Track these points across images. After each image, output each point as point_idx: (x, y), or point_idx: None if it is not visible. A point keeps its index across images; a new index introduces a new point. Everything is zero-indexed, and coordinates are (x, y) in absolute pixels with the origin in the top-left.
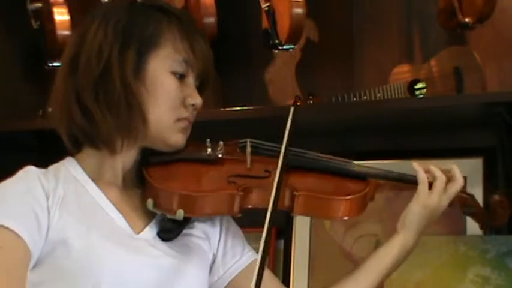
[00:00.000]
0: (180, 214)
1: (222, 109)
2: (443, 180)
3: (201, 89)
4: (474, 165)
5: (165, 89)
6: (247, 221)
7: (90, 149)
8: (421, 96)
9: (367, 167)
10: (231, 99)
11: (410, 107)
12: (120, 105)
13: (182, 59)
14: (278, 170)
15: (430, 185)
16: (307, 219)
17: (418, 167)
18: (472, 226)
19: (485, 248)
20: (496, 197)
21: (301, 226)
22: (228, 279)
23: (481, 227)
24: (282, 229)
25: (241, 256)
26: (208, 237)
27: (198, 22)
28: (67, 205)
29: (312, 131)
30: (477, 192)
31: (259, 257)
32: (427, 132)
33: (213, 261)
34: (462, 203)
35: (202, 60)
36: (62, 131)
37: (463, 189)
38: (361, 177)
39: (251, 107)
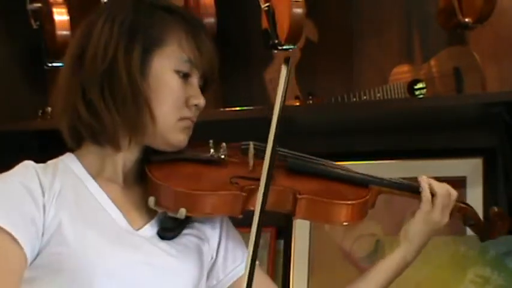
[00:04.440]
0: (182, 213)
1: (222, 109)
2: (444, 196)
3: (205, 88)
4: (474, 165)
5: (169, 87)
6: (247, 222)
7: (91, 146)
8: (421, 96)
9: (370, 175)
10: (231, 99)
11: (410, 107)
12: (126, 101)
13: (186, 58)
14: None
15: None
16: None
17: (424, 185)
18: None
19: (485, 248)
20: (495, 209)
21: (301, 226)
22: (227, 284)
23: (481, 240)
24: (282, 229)
25: (242, 261)
26: (207, 238)
27: None
28: (63, 200)
29: (312, 131)
30: (477, 193)
31: (248, 259)
32: (427, 132)
33: (213, 264)
34: (462, 214)
35: (207, 60)
36: (63, 126)
37: (462, 200)
38: (363, 184)
39: (251, 107)
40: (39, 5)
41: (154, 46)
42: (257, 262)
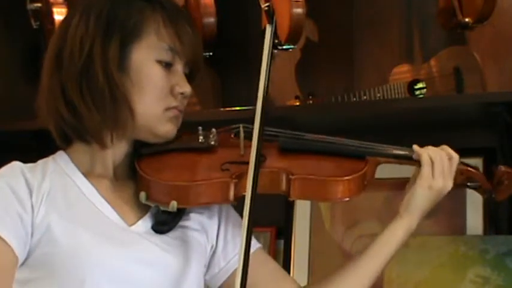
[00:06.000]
0: (174, 205)
1: (222, 109)
2: (441, 158)
3: (191, 76)
4: (474, 165)
5: (151, 78)
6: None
7: (80, 144)
8: (421, 96)
9: (368, 144)
10: (231, 99)
11: (410, 107)
12: (104, 98)
13: (167, 46)
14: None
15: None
16: (307, 218)
17: (419, 150)
18: (472, 226)
19: (485, 248)
20: (502, 168)
21: (301, 226)
22: (230, 270)
23: (486, 199)
24: (282, 229)
25: None
26: (205, 229)
27: (197, 22)
28: (53, 200)
29: (312, 131)
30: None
31: (242, 246)
32: (427, 132)
33: (213, 253)
34: (466, 177)
35: (189, 46)
36: (50, 127)
37: (465, 163)
38: (360, 156)
39: (251, 107)
40: (39, 4)
41: (132, 38)
42: (260, 245)
